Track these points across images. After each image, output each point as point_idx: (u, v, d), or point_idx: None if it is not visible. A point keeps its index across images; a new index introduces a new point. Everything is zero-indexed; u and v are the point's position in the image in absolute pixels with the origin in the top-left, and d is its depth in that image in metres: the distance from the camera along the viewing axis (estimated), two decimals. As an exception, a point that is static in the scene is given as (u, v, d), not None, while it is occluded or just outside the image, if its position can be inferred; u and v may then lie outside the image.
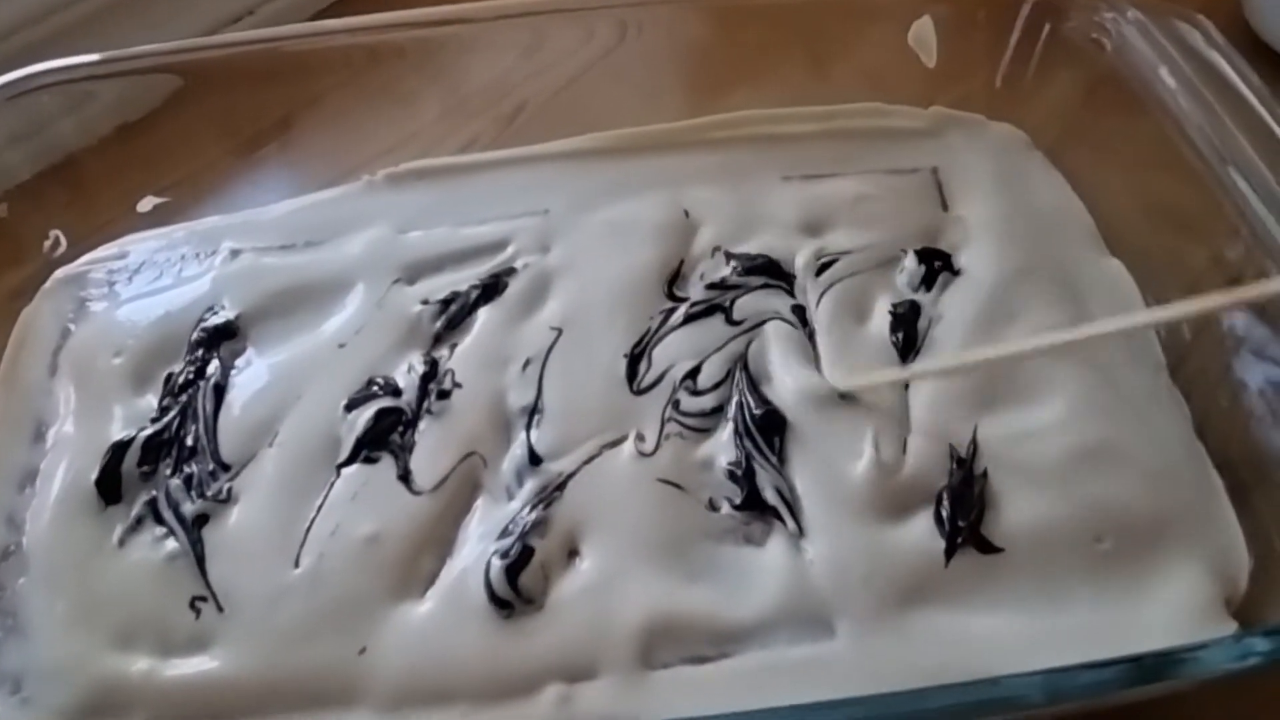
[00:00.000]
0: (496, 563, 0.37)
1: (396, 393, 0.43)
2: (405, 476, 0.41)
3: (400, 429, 0.42)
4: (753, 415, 0.41)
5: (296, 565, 0.39)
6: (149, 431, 0.43)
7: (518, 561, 0.37)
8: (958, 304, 0.44)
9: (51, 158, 0.51)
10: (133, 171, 0.54)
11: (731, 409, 0.41)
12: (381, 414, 0.42)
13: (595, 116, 0.56)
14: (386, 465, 0.41)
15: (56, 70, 0.50)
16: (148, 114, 0.56)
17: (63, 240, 0.52)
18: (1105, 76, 0.47)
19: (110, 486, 0.42)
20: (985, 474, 0.39)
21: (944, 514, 0.37)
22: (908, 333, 0.43)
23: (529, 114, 0.61)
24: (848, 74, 0.58)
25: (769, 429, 0.40)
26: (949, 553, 0.37)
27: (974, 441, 0.39)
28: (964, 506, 0.38)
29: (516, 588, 0.37)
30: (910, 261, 0.45)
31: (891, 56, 0.58)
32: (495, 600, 0.37)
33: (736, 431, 0.40)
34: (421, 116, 0.61)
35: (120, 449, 0.42)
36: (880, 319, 0.44)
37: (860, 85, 0.57)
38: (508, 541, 0.38)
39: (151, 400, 0.45)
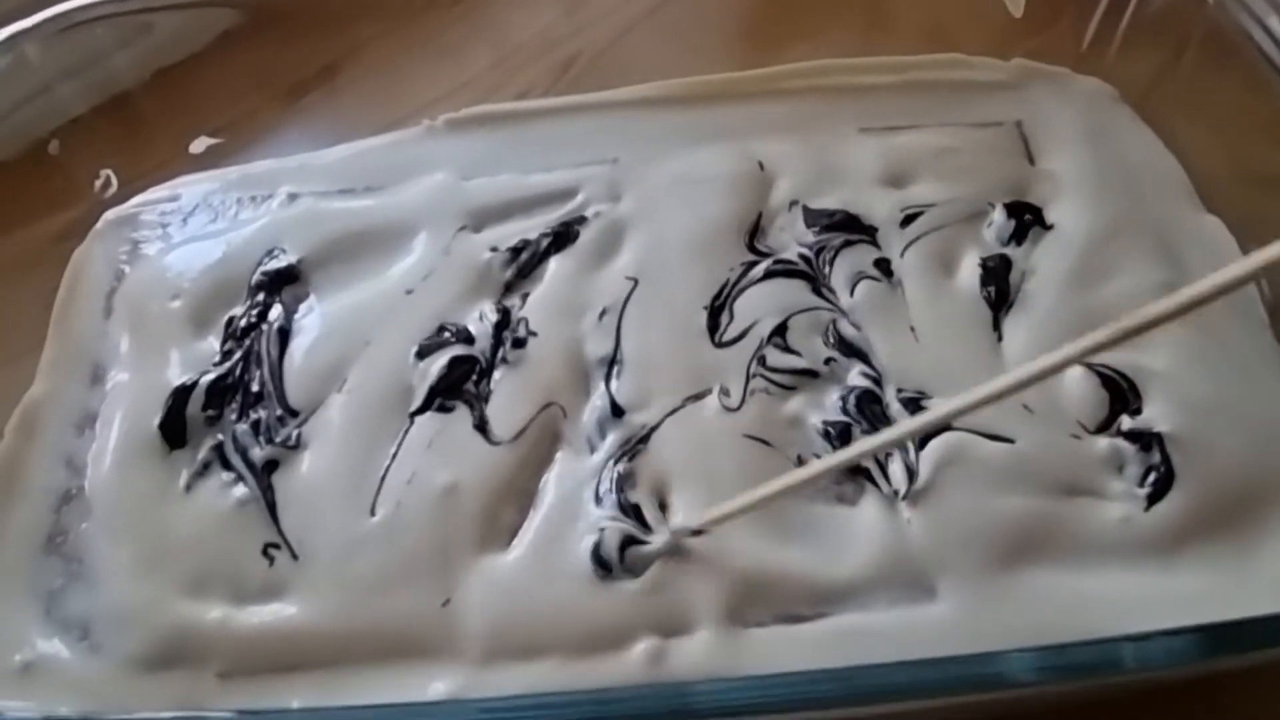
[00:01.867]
0: (613, 533, 0.36)
1: (469, 340, 0.42)
2: (482, 426, 0.39)
3: (475, 378, 0.41)
4: (856, 389, 0.39)
5: (373, 514, 0.38)
6: (212, 376, 0.42)
7: (634, 539, 0.36)
8: (1051, 259, 0.42)
9: (104, 93, 0.50)
10: (186, 111, 0.52)
11: (825, 370, 0.40)
12: (455, 362, 0.41)
13: (650, 69, 0.54)
14: (462, 414, 0.40)
15: (110, 1, 0.48)
16: (200, 51, 0.55)
17: (114, 180, 0.50)
18: (1204, 28, 0.45)
19: (175, 431, 0.40)
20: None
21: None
22: (999, 286, 0.42)
23: (582, 65, 0.59)
24: (908, 26, 0.57)
25: (871, 400, 0.39)
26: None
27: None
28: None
29: (625, 562, 0.36)
30: (999, 215, 0.44)
31: (954, 8, 0.57)
32: (600, 563, 0.36)
33: (843, 399, 0.39)
34: (470, 66, 0.60)
35: (183, 393, 0.41)
36: (969, 272, 0.43)
37: (922, 38, 0.55)
38: (620, 518, 0.37)
39: (213, 343, 0.43)
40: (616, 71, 0.56)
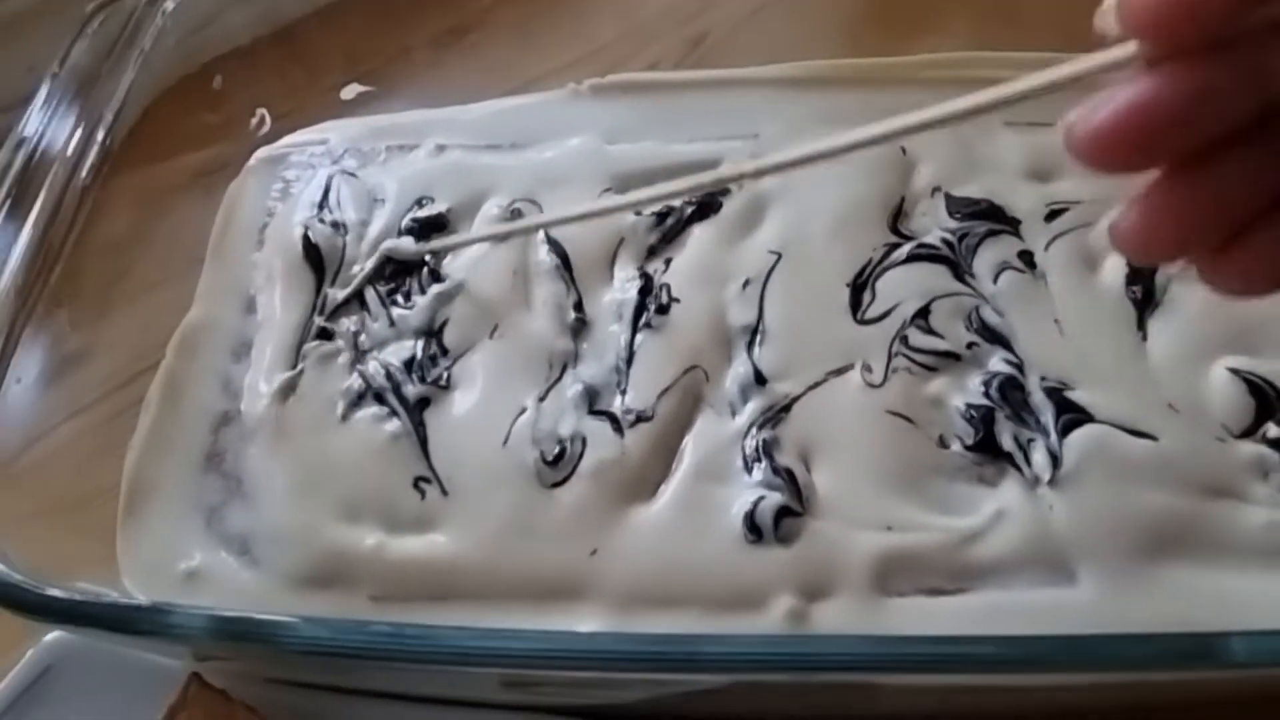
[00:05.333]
0: (770, 501, 0.37)
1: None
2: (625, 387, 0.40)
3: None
4: (999, 374, 0.40)
5: (521, 458, 0.39)
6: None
7: (789, 509, 0.37)
8: (1199, 263, 0.42)
9: (270, 25, 0.51)
10: (338, 54, 0.54)
11: (967, 353, 0.40)
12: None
13: (779, 50, 0.55)
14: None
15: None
16: (323, 7, 0.56)
17: (268, 119, 0.52)
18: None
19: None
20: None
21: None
22: (1146, 286, 0.42)
23: (712, 42, 0.60)
24: (1039, 22, 0.56)
25: (1014, 386, 0.39)
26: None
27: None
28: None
29: (779, 531, 0.36)
30: (1147, 217, 0.44)
31: (1092, 6, 0.56)
32: (752, 528, 0.36)
33: (985, 383, 0.39)
34: (598, 36, 0.61)
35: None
36: (1113, 271, 0.43)
37: (1052, 35, 0.55)
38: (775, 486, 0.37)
39: (364, 282, 0.45)
40: (745, 51, 0.56)
